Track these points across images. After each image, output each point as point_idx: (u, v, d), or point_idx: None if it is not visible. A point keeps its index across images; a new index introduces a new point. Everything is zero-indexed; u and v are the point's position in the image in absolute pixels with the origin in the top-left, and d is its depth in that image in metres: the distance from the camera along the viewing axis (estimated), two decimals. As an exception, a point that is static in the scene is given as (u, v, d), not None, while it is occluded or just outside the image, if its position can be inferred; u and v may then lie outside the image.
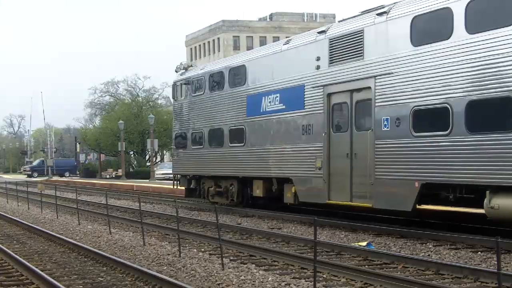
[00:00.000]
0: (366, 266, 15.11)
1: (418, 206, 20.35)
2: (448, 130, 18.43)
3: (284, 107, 25.60)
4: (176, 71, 35.16)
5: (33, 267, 14.90)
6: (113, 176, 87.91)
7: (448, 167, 18.50)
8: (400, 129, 20.03)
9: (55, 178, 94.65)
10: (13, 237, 22.25)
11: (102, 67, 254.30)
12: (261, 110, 27.01)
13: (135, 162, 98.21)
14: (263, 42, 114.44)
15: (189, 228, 23.56)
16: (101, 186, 64.58)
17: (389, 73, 20.46)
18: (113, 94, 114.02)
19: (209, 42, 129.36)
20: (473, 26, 17.91)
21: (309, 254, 16.58)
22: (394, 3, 21.14)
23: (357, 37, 21.80)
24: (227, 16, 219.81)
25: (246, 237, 20.97)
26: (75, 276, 14.72)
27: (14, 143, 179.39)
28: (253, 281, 13.53)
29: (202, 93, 31.87)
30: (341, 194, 22.37)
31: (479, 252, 16.76)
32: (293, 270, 15.02)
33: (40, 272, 14.26)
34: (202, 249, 18.49)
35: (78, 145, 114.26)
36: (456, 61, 18.30)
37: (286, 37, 30.79)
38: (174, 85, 34.86)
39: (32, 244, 20.42)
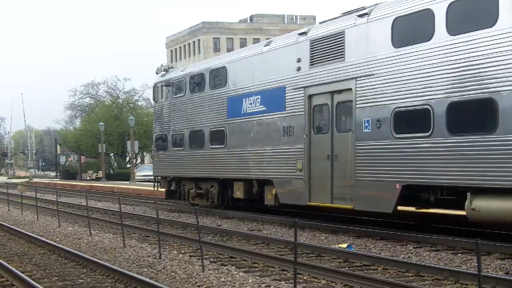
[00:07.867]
0: (346, 268, 15.10)
1: (399, 208, 20.35)
2: (429, 132, 18.44)
3: (264, 108, 25.56)
4: (157, 73, 35.04)
5: (14, 269, 14.79)
6: (93, 178, 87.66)
7: (429, 169, 18.51)
8: (381, 130, 20.03)
9: (35, 179, 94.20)
10: (-8, 239, 22.11)
11: (82, 68, 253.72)
12: (242, 112, 26.96)
13: (115, 164, 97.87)
14: (243, 43, 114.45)
15: (170, 230, 23.49)
16: (81, 188, 64.34)
17: (370, 75, 20.47)
18: (93, 96, 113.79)
19: (189, 43, 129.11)
20: (454, 28, 17.93)
21: (289, 256, 16.54)
22: (375, 4, 21.14)
23: (338, 38, 21.78)
24: (207, 18, 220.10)
25: (226, 239, 20.92)
26: (56, 278, 14.64)
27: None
28: (233, 283, 13.49)
29: (182, 94, 31.79)
30: (322, 195, 22.35)
31: (460, 254, 16.79)
32: (274, 272, 14.99)
33: (21, 274, 14.18)
34: (182, 251, 18.43)
35: (58, 147, 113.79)
36: (437, 62, 18.31)
37: (267, 39, 30.78)
38: (155, 87, 34.74)
39: (12, 246, 20.28)
